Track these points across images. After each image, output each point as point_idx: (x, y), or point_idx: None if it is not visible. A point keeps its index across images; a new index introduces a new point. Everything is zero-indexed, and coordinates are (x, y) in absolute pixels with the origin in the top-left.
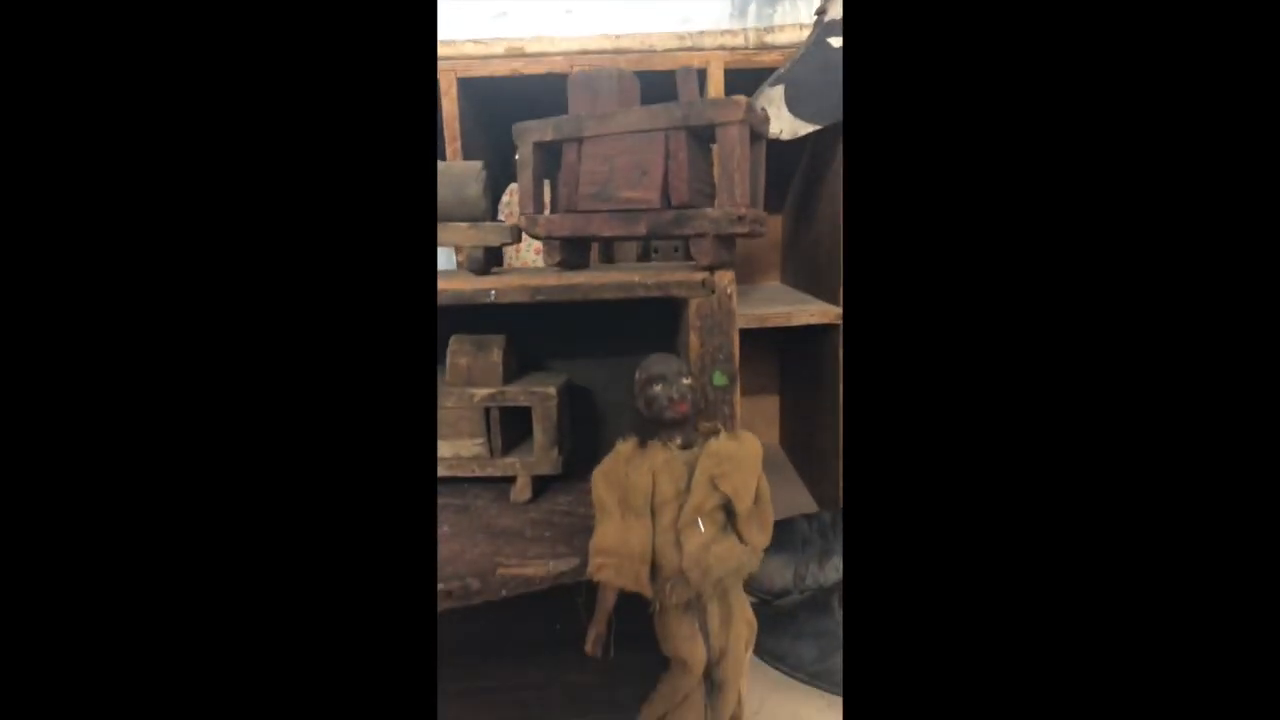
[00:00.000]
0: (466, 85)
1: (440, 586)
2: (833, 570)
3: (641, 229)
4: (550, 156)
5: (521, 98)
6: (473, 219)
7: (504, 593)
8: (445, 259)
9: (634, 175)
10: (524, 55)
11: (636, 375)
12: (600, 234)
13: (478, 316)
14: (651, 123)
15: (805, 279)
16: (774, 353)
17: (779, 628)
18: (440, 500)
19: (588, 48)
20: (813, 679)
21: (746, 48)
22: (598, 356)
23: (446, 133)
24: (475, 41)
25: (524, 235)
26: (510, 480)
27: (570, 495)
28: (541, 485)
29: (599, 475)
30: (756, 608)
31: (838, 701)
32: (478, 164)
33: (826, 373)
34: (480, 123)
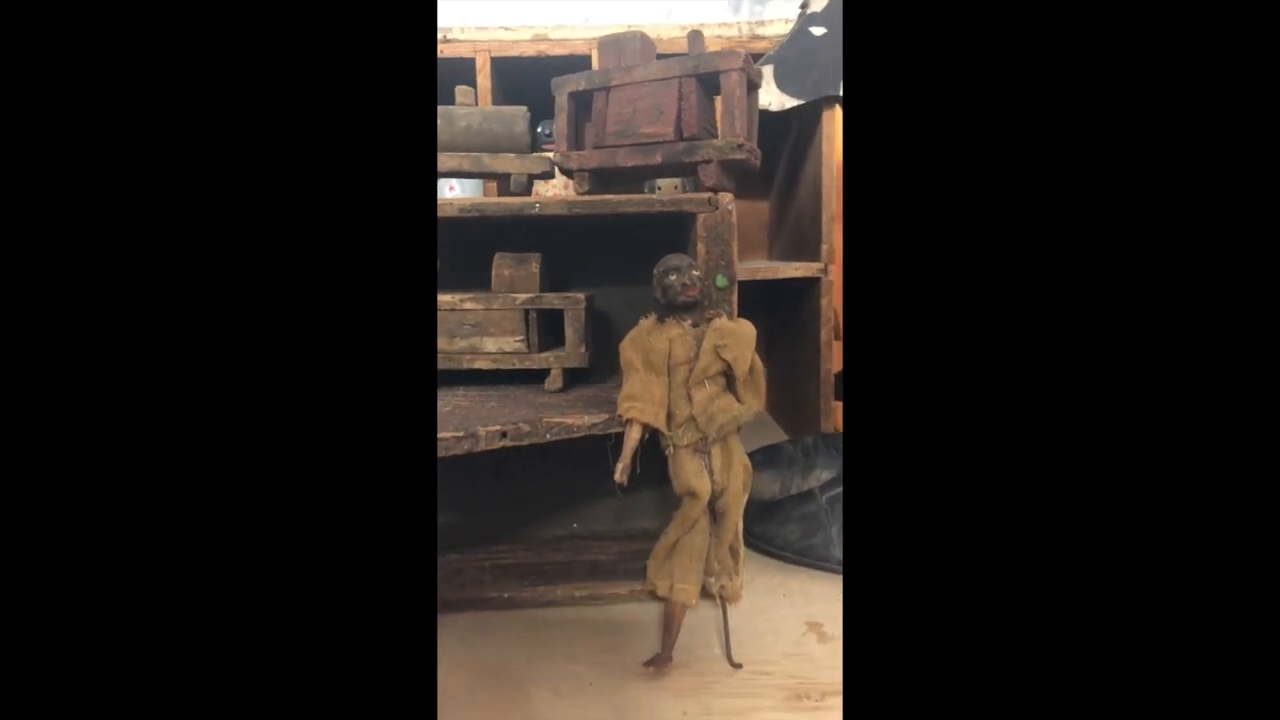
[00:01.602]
0: (498, 63)
1: (495, 428)
2: (814, 480)
3: (658, 158)
4: (581, 104)
5: (544, 75)
6: (518, 151)
7: (548, 436)
8: (475, 188)
9: (652, 114)
10: (547, 40)
11: (655, 270)
12: (623, 165)
13: (511, 240)
14: (667, 72)
15: (790, 250)
16: (760, 314)
17: (766, 515)
18: (482, 392)
19: (603, 35)
20: (797, 555)
21: (740, 38)
22: (609, 285)
23: (480, 102)
24: (505, 28)
25: (556, 173)
26: (544, 374)
27: (593, 388)
28: (570, 379)
29: (627, 343)
30: (748, 503)
31: (819, 574)
32: (523, 107)
33: (809, 325)
34: (508, 96)
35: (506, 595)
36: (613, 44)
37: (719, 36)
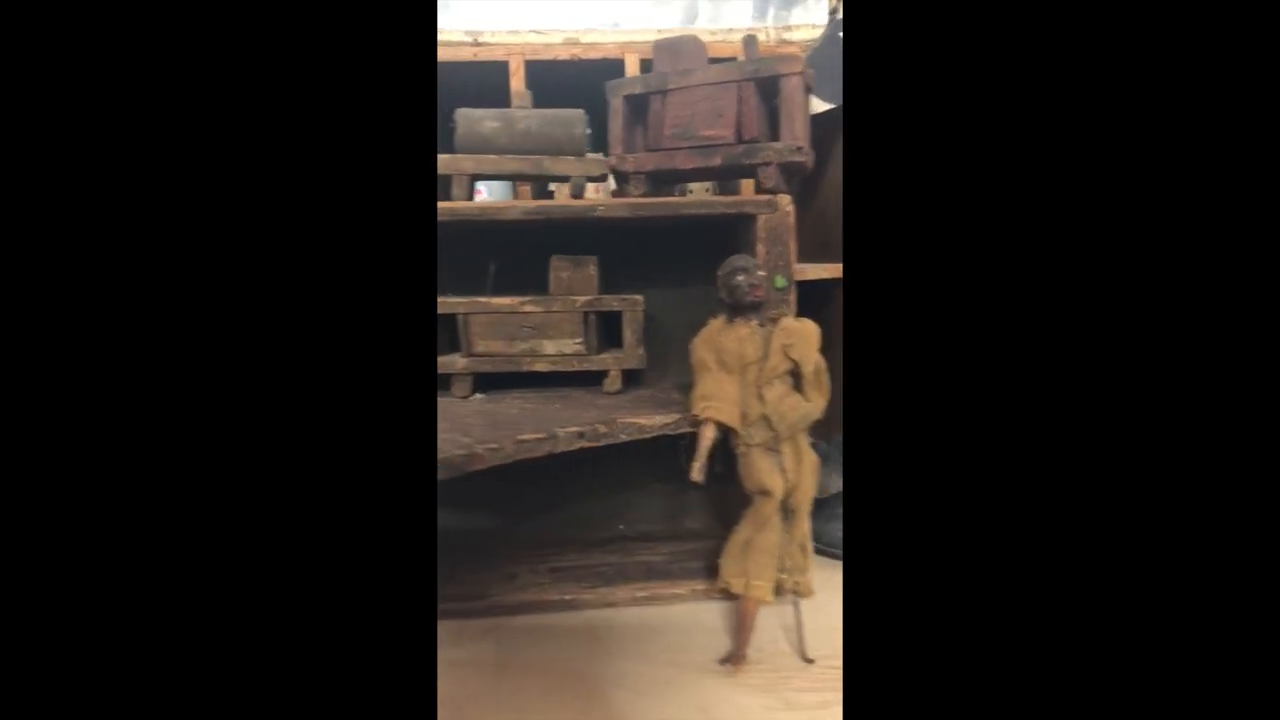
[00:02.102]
0: (531, 65)
1: (573, 429)
2: None
3: (717, 161)
4: (636, 107)
5: (576, 77)
6: (576, 154)
7: (623, 436)
8: (504, 191)
9: (712, 117)
10: (579, 44)
11: (720, 271)
12: (681, 167)
13: (562, 241)
14: (726, 76)
15: (812, 252)
16: None
17: (813, 514)
18: (541, 394)
19: (634, 39)
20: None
21: (768, 43)
22: (658, 288)
23: (514, 102)
24: (537, 31)
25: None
26: (598, 376)
27: (650, 389)
28: (626, 380)
29: (698, 342)
30: None
31: None
32: (580, 110)
33: (831, 325)
34: (540, 97)
35: (568, 598)
36: (667, 47)
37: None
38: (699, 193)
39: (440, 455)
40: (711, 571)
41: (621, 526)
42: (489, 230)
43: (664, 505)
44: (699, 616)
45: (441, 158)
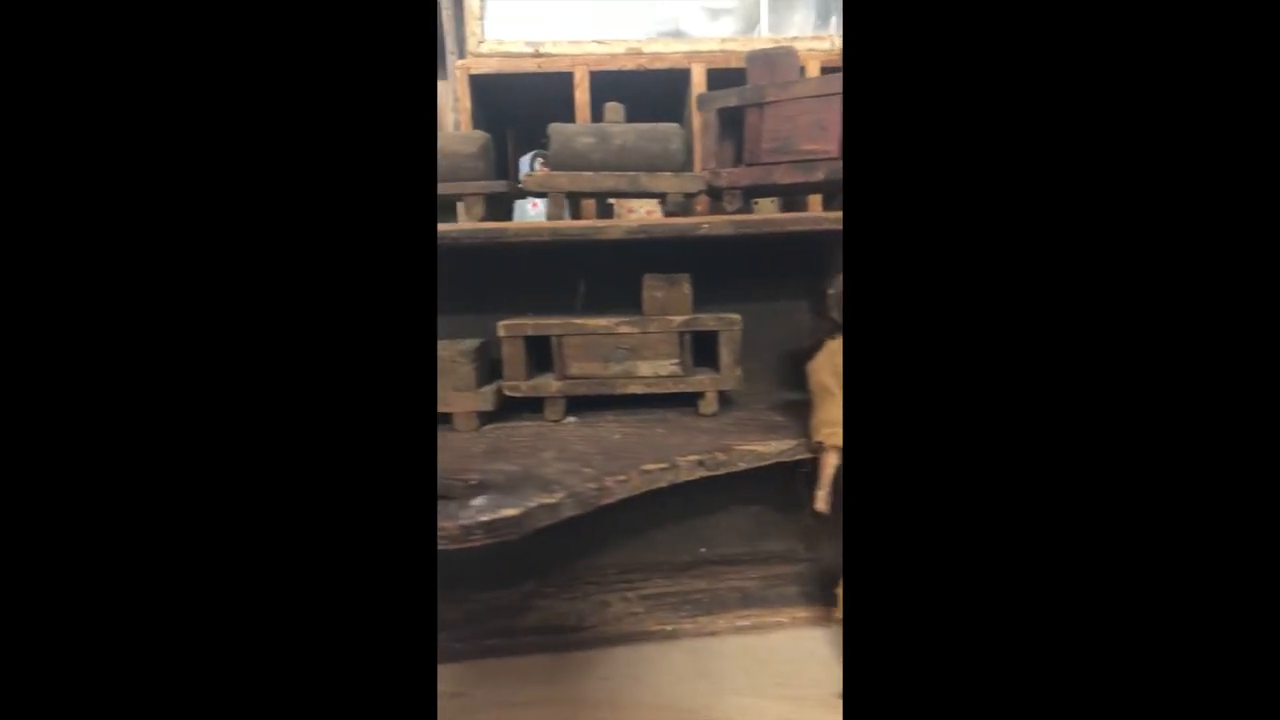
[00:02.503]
0: (595, 76)
1: (693, 457)
2: None
3: (819, 175)
4: (729, 121)
5: (640, 88)
6: (674, 169)
7: (741, 464)
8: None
9: (814, 130)
10: (642, 54)
11: (829, 290)
12: (780, 182)
13: (651, 261)
14: (828, 88)
15: None
16: None
17: None
18: (636, 418)
19: (698, 48)
20: None
21: (834, 51)
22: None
23: (578, 116)
24: (599, 41)
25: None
26: (690, 397)
27: (745, 411)
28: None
29: (818, 365)
30: None
31: None
32: (677, 125)
33: None
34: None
35: (668, 628)
36: (762, 59)
37: (812, 50)
38: (765, 208)
39: (570, 488)
40: (809, 598)
41: (703, 550)
42: (581, 249)
43: (742, 526)
44: (805, 645)
45: (536, 175)
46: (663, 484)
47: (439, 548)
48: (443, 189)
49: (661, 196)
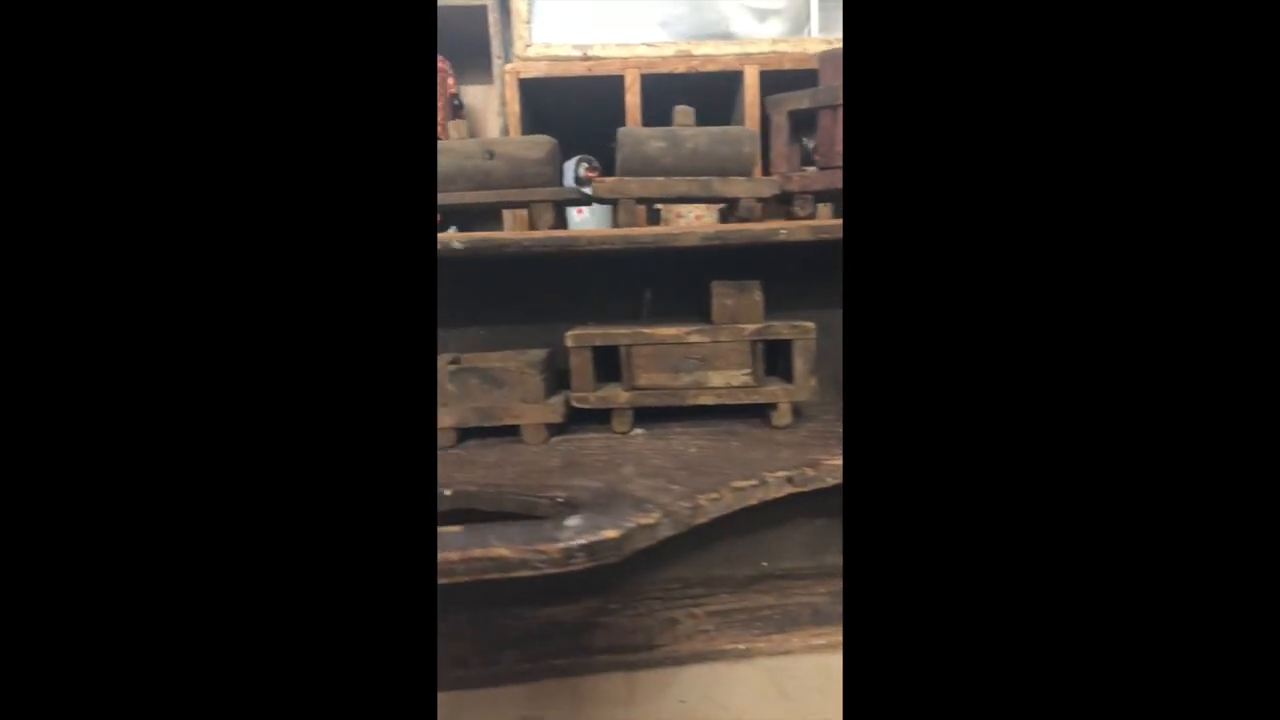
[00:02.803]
0: (646, 80)
1: (781, 473)
2: None
3: None
4: (800, 124)
5: (691, 90)
6: (745, 174)
7: (829, 480)
8: (602, 216)
9: None
10: (693, 56)
11: None
12: None
13: (709, 266)
14: None
15: None
16: None
17: None
18: (707, 429)
19: (749, 50)
20: None
21: None
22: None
23: (628, 119)
24: (648, 44)
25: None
26: (760, 409)
27: (817, 422)
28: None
29: None
30: None
31: None
32: (748, 128)
33: None
34: (651, 109)
35: (742, 647)
36: (834, 59)
37: None
38: (824, 212)
39: (664, 507)
40: None
41: (765, 563)
42: (652, 256)
43: (802, 538)
44: None
45: (607, 180)
46: (753, 501)
47: (539, 571)
48: (509, 195)
49: (734, 201)
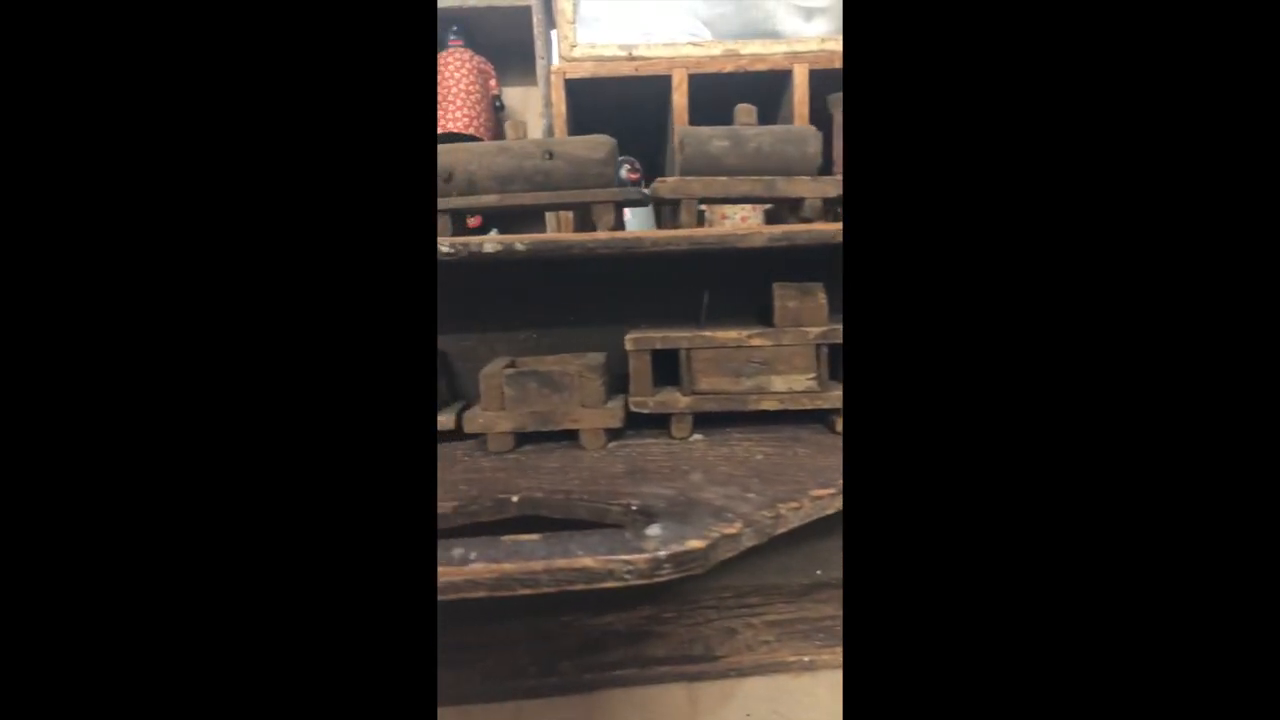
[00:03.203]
0: (694, 80)
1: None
2: None
3: None
4: None
5: (738, 89)
6: (810, 173)
7: None
8: (645, 218)
9: None
10: (740, 55)
11: None
12: None
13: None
14: None
15: None
16: None
17: None
18: (767, 435)
19: (798, 49)
20: None
21: None
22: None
23: (676, 119)
24: (694, 43)
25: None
26: (818, 414)
27: None
28: None
29: None
30: None
31: None
32: (813, 128)
33: None
34: (700, 110)
35: (806, 659)
36: None
37: None
38: None
39: (744, 516)
40: None
41: (819, 571)
42: (718, 257)
43: None
44: None
45: (669, 180)
46: (831, 511)
47: (625, 582)
48: (567, 196)
49: (799, 202)
